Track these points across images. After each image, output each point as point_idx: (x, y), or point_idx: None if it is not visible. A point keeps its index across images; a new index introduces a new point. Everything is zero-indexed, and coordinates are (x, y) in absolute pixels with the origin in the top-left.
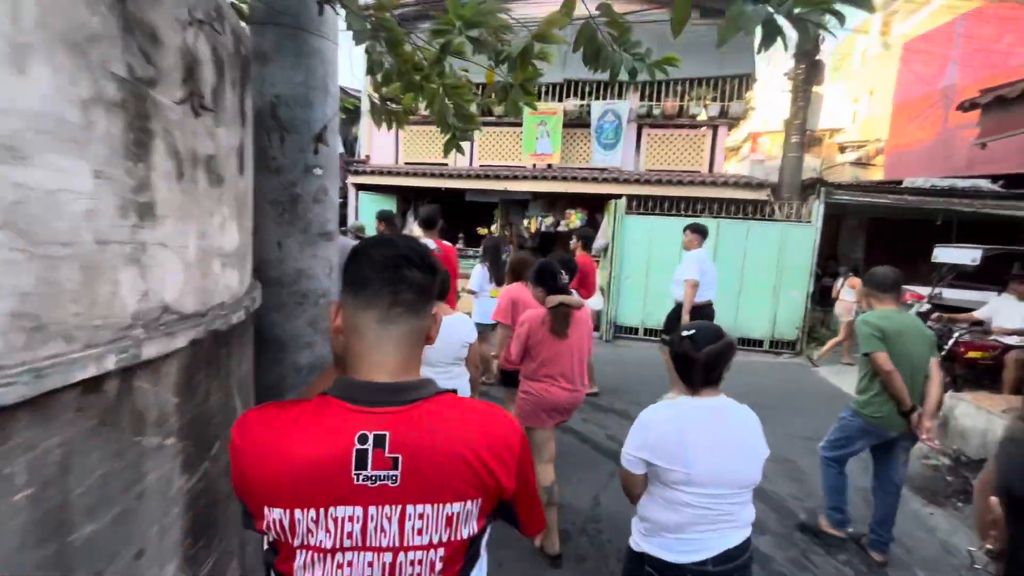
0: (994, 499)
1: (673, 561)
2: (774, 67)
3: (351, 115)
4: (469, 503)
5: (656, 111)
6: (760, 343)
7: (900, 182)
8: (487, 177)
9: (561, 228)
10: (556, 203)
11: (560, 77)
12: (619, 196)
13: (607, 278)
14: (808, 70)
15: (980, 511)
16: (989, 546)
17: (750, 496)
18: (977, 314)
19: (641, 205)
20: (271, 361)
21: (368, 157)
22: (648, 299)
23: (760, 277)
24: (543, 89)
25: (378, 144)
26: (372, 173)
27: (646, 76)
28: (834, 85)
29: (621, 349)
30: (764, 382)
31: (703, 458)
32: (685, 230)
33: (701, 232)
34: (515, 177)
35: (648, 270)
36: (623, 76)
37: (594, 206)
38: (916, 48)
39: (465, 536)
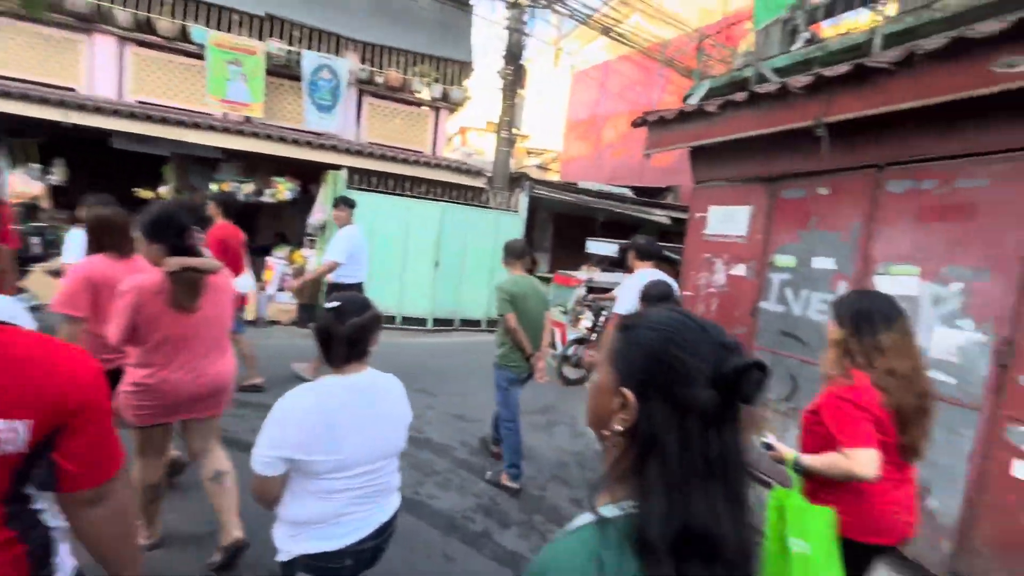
0: (627, 390)
1: (332, 549)
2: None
3: None
4: (17, 422)
5: (379, 79)
6: (479, 323)
7: (576, 184)
8: (148, 119)
9: (266, 198)
10: (258, 167)
11: (261, 10)
12: (339, 167)
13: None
14: (515, 72)
15: (600, 406)
16: (619, 427)
17: (397, 463)
18: (614, 293)
19: (363, 180)
20: None
21: None
22: (370, 283)
23: (479, 261)
24: (236, 19)
25: None
26: None
27: None
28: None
29: None
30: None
31: (352, 439)
32: (335, 204)
33: (350, 205)
34: (195, 126)
35: (372, 251)
36: None
37: (308, 176)
38: (582, 77)
39: (10, 451)
